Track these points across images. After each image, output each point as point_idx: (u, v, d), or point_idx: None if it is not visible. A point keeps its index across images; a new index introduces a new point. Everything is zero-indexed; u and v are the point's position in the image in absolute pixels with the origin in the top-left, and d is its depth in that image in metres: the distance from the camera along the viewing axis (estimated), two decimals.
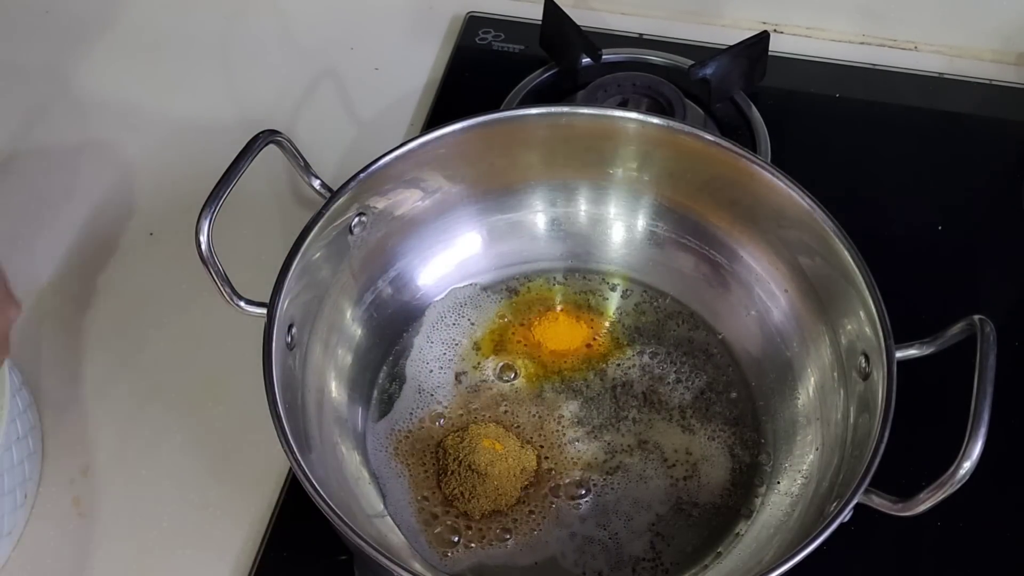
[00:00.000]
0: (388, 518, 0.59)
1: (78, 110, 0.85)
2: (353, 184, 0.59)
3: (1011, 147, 0.82)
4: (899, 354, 0.53)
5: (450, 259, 0.68)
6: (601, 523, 0.59)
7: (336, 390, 0.62)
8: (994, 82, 0.85)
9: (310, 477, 0.49)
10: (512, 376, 0.65)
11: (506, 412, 0.63)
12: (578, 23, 0.84)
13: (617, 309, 0.68)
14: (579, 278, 0.69)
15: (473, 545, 0.58)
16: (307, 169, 0.62)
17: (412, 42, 0.90)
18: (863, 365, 0.56)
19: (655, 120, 0.63)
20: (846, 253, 0.56)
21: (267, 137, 0.59)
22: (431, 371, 0.65)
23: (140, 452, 0.66)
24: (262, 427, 0.51)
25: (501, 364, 0.65)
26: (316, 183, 0.61)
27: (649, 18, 0.90)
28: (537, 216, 0.69)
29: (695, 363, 0.65)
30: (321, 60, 0.88)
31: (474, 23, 0.89)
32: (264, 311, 0.55)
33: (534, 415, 0.63)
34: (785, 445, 0.61)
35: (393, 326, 0.66)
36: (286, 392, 0.53)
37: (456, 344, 0.66)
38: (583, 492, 0.60)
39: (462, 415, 0.63)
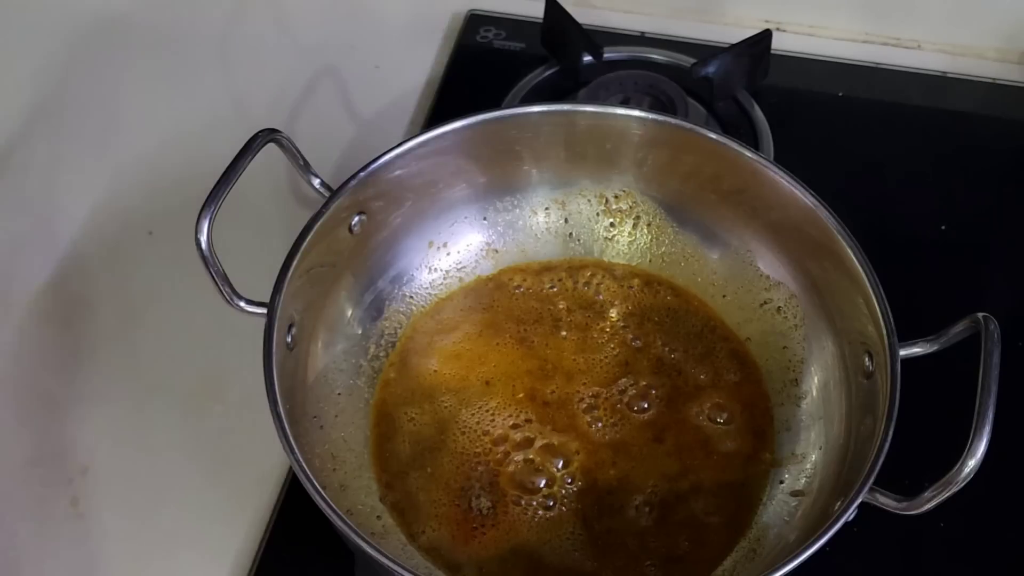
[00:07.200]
0: (389, 518, 0.59)
1: (78, 110, 0.85)
2: (353, 183, 0.59)
3: (1014, 146, 0.82)
4: (903, 352, 0.53)
5: (451, 258, 0.68)
6: (597, 520, 0.59)
7: (337, 391, 0.62)
8: (997, 81, 0.85)
9: (311, 477, 0.49)
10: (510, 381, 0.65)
11: (507, 412, 0.63)
12: (580, 21, 0.83)
13: (620, 307, 0.68)
14: (582, 275, 0.69)
15: (474, 545, 0.58)
16: (307, 168, 0.61)
17: (413, 40, 0.89)
18: (867, 363, 0.55)
19: (657, 118, 0.62)
20: (849, 251, 0.56)
21: (267, 136, 0.58)
22: (433, 372, 0.65)
23: (140, 452, 0.66)
24: (262, 427, 0.51)
25: (502, 366, 0.65)
26: (316, 182, 0.61)
27: (651, 16, 0.89)
28: (539, 214, 0.69)
29: (698, 360, 0.65)
30: (321, 58, 0.87)
31: (475, 21, 0.89)
32: (264, 311, 0.54)
33: (534, 419, 0.63)
34: (788, 444, 0.61)
35: (393, 327, 0.66)
36: (286, 392, 0.53)
37: (457, 345, 0.66)
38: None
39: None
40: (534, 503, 0.59)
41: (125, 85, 0.87)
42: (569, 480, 0.60)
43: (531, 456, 0.61)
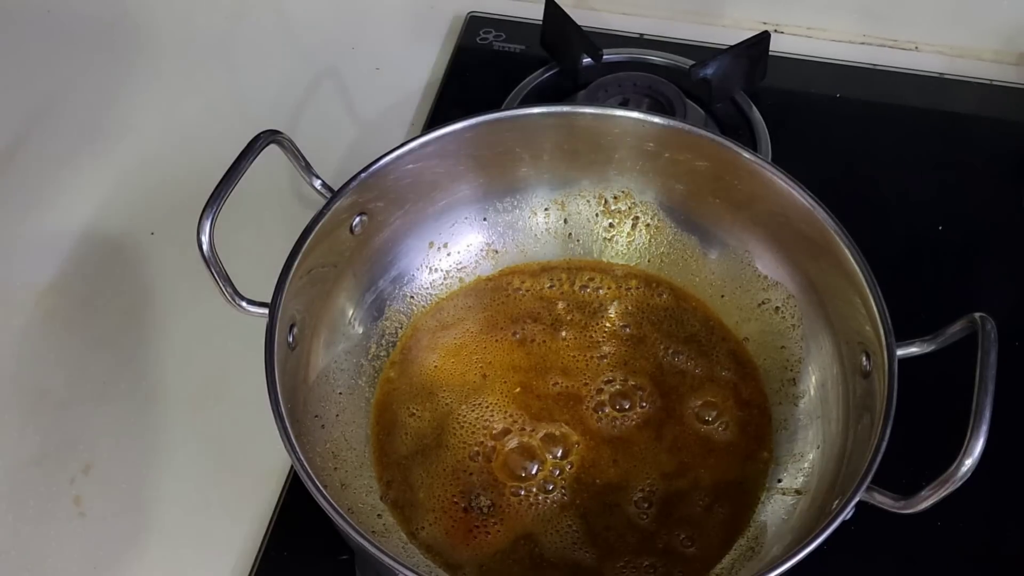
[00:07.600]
0: (390, 516, 0.59)
1: (79, 110, 0.85)
2: (354, 184, 0.59)
3: (1011, 147, 0.82)
4: (900, 352, 0.53)
5: (451, 259, 0.68)
6: (597, 517, 0.59)
7: (338, 390, 0.62)
8: (994, 82, 0.85)
9: (312, 475, 0.49)
10: (510, 382, 0.65)
11: (505, 409, 0.63)
12: (579, 23, 0.84)
13: (619, 307, 0.68)
14: (581, 276, 0.69)
15: (475, 544, 0.58)
16: (308, 169, 0.62)
17: (413, 42, 0.90)
18: (864, 363, 0.56)
19: (656, 119, 0.63)
20: (847, 252, 0.56)
21: (268, 137, 0.59)
22: (433, 370, 0.65)
23: (141, 452, 0.66)
24: (263, 427, 0.51)
25: (501, 364, 0.65)
26: (317, 183, 0.61)
27: (650, 18, 0.90)
28: (538, 215, 0.69)
29: (696, 360, 0.65)
30: (322, 60, 0.88)
31: (475, 23, 0.89)
32: (266, 311, 0.55)
33: (534, 416, 0.63)
34: (786, 443, 0.61)
35: (394, 327, 0.66)
36: (288, 391, 0.53)
37: (457, 344, 0.66)
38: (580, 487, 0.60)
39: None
40: (526, 490, 0.59)
41: (127, 86, 0.87)
42: (560, 472, 0.60)
43: (529, 450, 0.61)
